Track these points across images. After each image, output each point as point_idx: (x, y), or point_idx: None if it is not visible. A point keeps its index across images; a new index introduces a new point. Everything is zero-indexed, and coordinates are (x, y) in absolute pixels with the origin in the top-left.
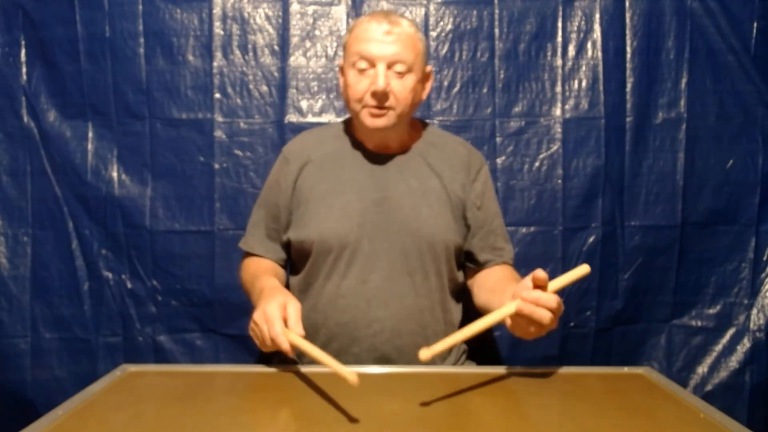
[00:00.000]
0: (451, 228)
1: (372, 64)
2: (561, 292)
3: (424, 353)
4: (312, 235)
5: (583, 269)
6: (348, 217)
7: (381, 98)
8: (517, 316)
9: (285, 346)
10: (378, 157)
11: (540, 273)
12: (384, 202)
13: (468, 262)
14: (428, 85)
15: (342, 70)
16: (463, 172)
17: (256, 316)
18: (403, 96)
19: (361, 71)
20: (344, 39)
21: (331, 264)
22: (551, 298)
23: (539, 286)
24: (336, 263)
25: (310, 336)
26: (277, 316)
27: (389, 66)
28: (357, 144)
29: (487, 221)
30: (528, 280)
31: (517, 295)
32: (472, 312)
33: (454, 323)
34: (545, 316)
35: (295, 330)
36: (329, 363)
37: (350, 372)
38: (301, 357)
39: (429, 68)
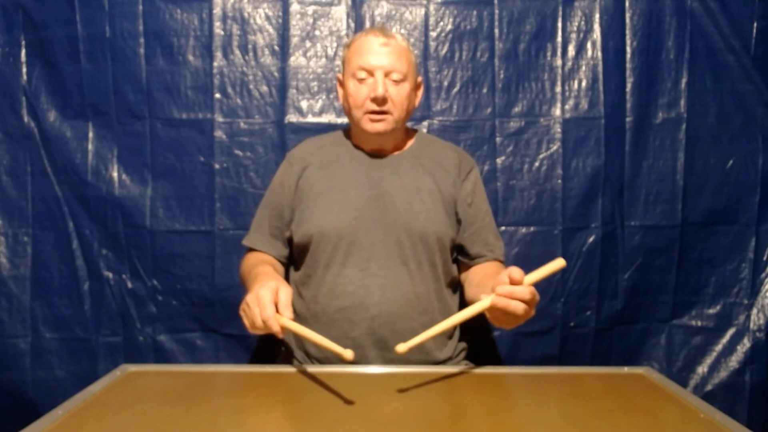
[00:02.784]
0: (442, 222)
1: (371, 73)
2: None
3: (401, 347)
4: (312, 229)
5: (558, 263)
6: (345, 210)
7: (380, 103)
8: (493, 308)
9: (275, 329)
10: (374, 158)
11: (515, 273)
12: (379, 198)
13: (460, 256)
14: (419, 93)
15: (341, 82)
16: (454, 172)
17: (249, 298)
18: (399, 101)
19: (361, 81)
20: (343, 54)
21: (330, 254)
22: (524, 290)
23: (515, 282)
24: (334, 253)
25: (310, 325)
26: (269, 300)
27: (386, 75)
28: (355, 147)
29: (478, 218)
30: (504, 276)
31: (494, 290)
32: (466, 305)
33: (450, 312)
34: (519, 308)
35: (284, 314)
36: (321, 341)
37: (345, 350)
38: (290, 342)
39: (420, 79)
